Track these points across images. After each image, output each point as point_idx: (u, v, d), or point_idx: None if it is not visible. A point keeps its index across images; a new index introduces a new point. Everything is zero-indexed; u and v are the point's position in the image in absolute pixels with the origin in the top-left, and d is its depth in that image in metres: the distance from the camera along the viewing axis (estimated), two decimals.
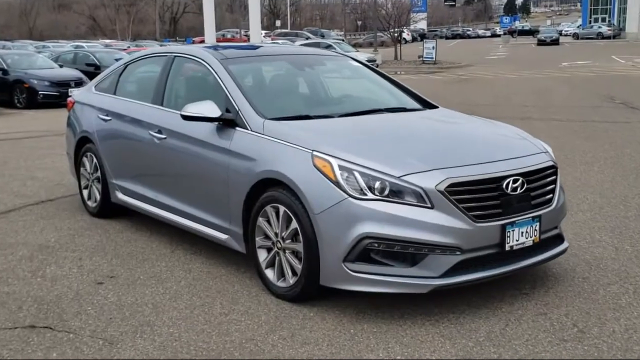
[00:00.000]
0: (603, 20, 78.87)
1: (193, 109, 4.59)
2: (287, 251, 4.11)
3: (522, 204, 3.99)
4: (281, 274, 4.19)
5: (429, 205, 3.73)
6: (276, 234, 4.16)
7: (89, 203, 6.36)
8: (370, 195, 3.77)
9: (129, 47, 35.57)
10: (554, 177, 4.30)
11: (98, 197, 6.19)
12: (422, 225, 3.69)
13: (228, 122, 4.58)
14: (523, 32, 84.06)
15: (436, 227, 3.70)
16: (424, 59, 36.73)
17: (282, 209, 4.07)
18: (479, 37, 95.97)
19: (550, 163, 4.32)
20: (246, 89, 4.80)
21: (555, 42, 59.39)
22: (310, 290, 4.02)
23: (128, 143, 5.67)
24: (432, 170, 3.83)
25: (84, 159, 6.36)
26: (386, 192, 3.76)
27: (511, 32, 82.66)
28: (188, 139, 4.87)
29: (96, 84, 6.55)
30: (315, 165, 3.93)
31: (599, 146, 9.77)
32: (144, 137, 5.38)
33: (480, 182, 3.86)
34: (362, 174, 3.81)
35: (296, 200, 3.96)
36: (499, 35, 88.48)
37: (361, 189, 3.78)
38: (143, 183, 5.54)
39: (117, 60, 21.14)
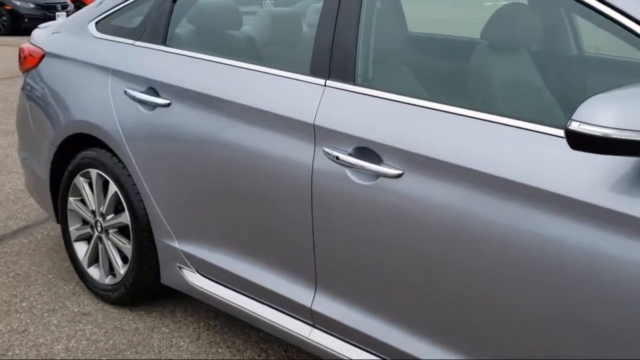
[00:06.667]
0: None
1: (624, 117, 1.26)
2: None
3: None
4: None
5: None
6: None
7: (95, 275, 2.86)
8: None
9: None
10: None
11: (121, 268, 2.79)
12: None
13: None
14: None
15: None
16: None
17: None
18: None
19: None
20: None
21: None
22: None
23: (234, 165, 2.17)
24: None
25: (80, 180, 2.85)
26: None
27: None
28: (520, 197, 1.51)
29: (98, 18, 2.84)
30: None
31: None
32: (301, 163, 1.96)
33: None
34: None
35: None
36: None
37: None
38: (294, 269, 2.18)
39: None
